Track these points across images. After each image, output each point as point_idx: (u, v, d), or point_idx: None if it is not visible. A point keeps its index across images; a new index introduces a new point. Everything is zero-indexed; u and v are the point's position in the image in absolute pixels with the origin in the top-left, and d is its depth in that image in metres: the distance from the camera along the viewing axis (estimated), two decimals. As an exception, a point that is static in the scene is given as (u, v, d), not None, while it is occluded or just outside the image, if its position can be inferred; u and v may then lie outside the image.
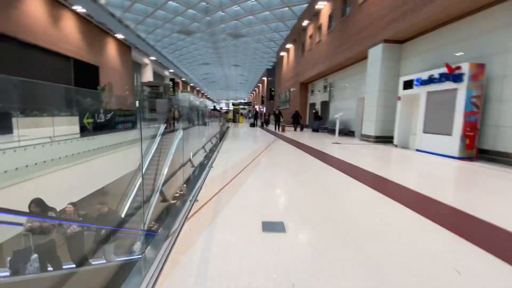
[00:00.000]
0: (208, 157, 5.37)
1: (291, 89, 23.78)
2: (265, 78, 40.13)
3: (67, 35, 16.05)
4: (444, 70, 6.73)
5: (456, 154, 6.35)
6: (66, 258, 2.89)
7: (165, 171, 3.92)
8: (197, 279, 1.53)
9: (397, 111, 8.67)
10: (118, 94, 20.77)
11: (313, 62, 17.47)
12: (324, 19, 15.65)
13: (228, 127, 18.36)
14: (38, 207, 2.94)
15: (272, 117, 24.92)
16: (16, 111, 7.15)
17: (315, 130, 16.73)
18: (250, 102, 49.65)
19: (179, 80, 41.78)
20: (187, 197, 2.74)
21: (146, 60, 29.30)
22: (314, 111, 18.75)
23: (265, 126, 21.47)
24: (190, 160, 4.38)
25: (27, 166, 5.52)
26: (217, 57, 39.84)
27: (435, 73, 7.04)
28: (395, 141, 8.74)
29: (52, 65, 14.89)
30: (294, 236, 2.12)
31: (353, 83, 13.19)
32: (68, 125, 8.53)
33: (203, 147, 6.13)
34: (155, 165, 4.23)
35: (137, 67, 28.76)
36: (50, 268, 2.75)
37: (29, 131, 7.01)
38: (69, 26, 16.23)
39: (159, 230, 2.08)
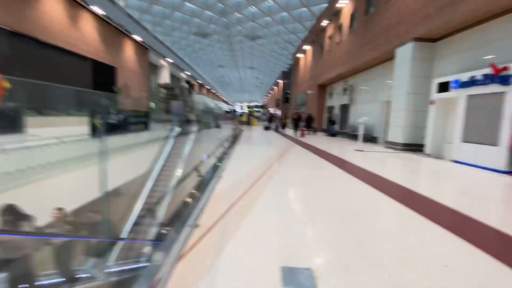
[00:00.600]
0: (217, 164, 4.83)
1: (308, 92, 23.00)
2: (280, 81, 39.49)
3: (86, 36, 16.22)
4: (489, 70, 5.86)
5: (502, 167, 5.45)
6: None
7: (170, 183, 3.41)
8: None
9: (430, 116, 7.79)
10: (131, 95, 20.85)
11: (332, 63, 16.67)
12: (345, 19, 14.86)
13: (241, 130, 17.87)
14: (11, 215, 2.49)
15: (288, 120, 24.20)
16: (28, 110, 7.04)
17: (333, 134, 16.04)
18: (265, 105, 49.10)
19: (195, 82, 41.99)
20: (187, 220, 2.19)
21: (162, 62, 29.50)
22: (328, 115, 18.18)
23: (280, 130, 20.33)
24: (196, 169, 3.85)
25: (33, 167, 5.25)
26: (232, 60, 39.71)
27: (478, 74, 6.17)
28: (427, 150, 7.84)
29: (71, 65, 15.04)
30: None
31: (376, 85, 12.31)
32: (79, 126, 8.35)
33: (213, 152, 5.61)
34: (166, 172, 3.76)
35: (154, 68, 29.01)
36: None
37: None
38: (88, 27, 16.41)
39: (145, 271, 1.52)
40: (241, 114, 34.23)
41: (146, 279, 1.51)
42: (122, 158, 7.33)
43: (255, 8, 22.73)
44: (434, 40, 8.46)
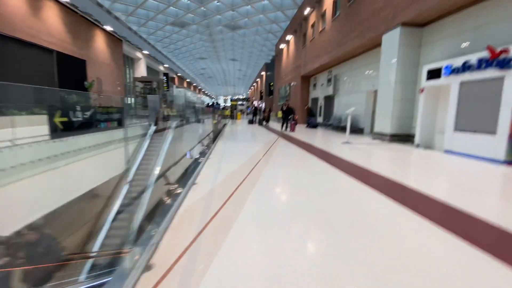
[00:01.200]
0: (193, 166, 4.15)
1: (292, 84, 22.48)
2: (263, 73, 38.73)
3: (49, 27, 14.69)
4: (485, 54, 5.51)
5: (501, 157, 5.15)
6: None
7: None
8: None
9: (419, 105, 7.45)
10: (102, 90, 19.44)
11: (315, 53, 16.17)
12: (328, 5, 14.30)
13: (224, 124, 17.11)
14: None
15: (273, 113, 23.59)
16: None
17: (313, 126, 15.75)
18: (248, 98, 48.21)
19: (174, 76, 40.34)
20: (136, 256, 1.54)
21: (139, 55, 27.83)
22: (306, 107, 17.81)
23: (264, 124, 19.12)
24: (164, 176, 3.17)
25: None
26: (213, 51, 38.39)
27: (472, 58, 5.82)
28: (417, 140, 7.53)
29: (32, 59, 13.56)
30: None
31: (361, 75, 11.94)
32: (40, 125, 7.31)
33: (189, 154, 4.92)
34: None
35: (129, 61, 27.34)
36: None
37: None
38: (51, 16, 14.86)
39: None
40: (224, 108, 33.27)
41: None
42: (82, 163, 6.44)
43: (234, -4, 21.74)
44: (421, 25, 8.09)
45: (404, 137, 8.45)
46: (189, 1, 22.83)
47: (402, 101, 8.34)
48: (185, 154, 5.15)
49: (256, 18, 25.30)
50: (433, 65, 6.90)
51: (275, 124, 18.72)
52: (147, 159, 7.17)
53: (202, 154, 5.05)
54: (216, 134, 8.76)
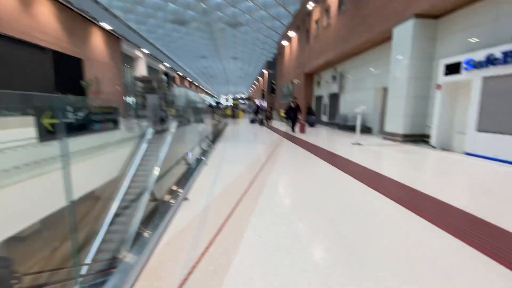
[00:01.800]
0: (187, 174, 3.62)
1: (295, 81, 21.87)
2: (265, 71, 38.11)
3: (43, 24, 14.22)
4: (511, 47, 4.93)
5: (534, 161, 4.59)
6: None
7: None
8: None
9: (436, 103, 6.86)
10: (101, 90, 19.00)
11: (320, 49, 15.55)
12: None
13: (226, 124, 16.59)
14: None
15: (275, 111, 23.02)
16: None
17: (311, 124, 15.32)
18: (250, 97, 47.62)
19: (175, 75, 39.84)
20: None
21: (138, 53, 27.34)
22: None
23: (266, 124, 17.46)
24: (152, 193, 2.65)
25: None
26: (215, 50, 37.79)
27: (497, 51, 5.23)
28: (433, 141, 6.95)
29: (26, 58, 13.10)
30: None
31: (369, 71, 11.34)
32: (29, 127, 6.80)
33: (185, 159, 4.38)
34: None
35: (129, 60, 26.85)
36: None
37: None
38: (45, 13, 14.38)
39: None
40: (226, 107, 32.76)
41: None
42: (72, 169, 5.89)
43: (235, -8, 21.12)
44: (436, 16, 7.49)
45: (418, 138, 7.88)
46: (188, -2, 22.29)
47: (415, 98, 7.75)
48: (177, 162, 4.64)
49: (257, 14, 24.66)
50: (452, 59, 6.31)
51: (277, 124, 18.13)
52: (142, 170, 6.66)
53: (199, 159, 4.53)
54: (216, 136, 8.22)
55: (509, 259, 1.73)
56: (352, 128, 11.43)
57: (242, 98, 41.60)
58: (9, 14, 12.05)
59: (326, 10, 14.71)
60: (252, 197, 2.95)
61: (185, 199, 2.74)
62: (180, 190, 2.85)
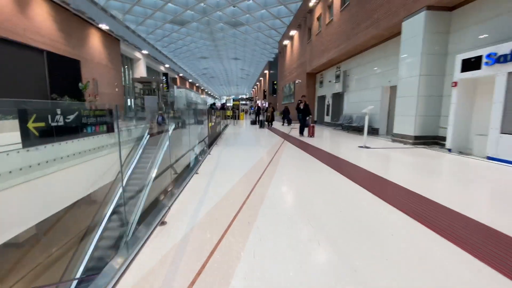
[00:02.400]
0: (170, 188, 3.09)
1: (296, 81, 21.31)
2: (266, 72, 37.60)
3: (38, 25, 13.82)
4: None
5: None
6: None
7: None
8: None
9: (452, 102, 6.28)
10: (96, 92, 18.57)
11: (322, 48, 14.99)
12: (336, -5, 13.14)
13: (226, 125, 16.06)
14: None
15: (276, 112, 22.43)
16: None
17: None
18: (251, 98, 47.07)
19: (176, 76, 39.47)
20: None
21: (137, 55, 26.96)
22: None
23: (267, 126, 15.85)
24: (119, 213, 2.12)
25: None
26: (215, 50, 37.34)
27: (525, 43, 4.65)
28: (448, 143, 6.36)
29: (20, 59, 12.71)
30: None
31: (374, 69, 10.76)
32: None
33: (174, 168, 3.85)
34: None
35: (128, 62, 26.49)
36: None
37: None
38: (40, 14, 13.99)
39: None
40: (223, 108, 32.24)
41: None
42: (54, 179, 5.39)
43: (235, -10, 20.64)
44: (450, 8, 6.92)
45: (430, 140, 7.30)
46: (187, -3, 21.85)
47: (427, 97, 7.17)
48: (164, 170, 4.15)
49: (258, 13, 24.16)
50: (470, 54, 5.73)
51: (277, 125, 17.56)
52: (135, 177, 6.13)
53: (188, 167, 3.99)
54: (213, 140, 7.69)
55: None
56: (357, 129, 10.85)
57: (243, 99, 41.05)
58: (4, 16, 11.66)
59: (329, 6, 14.16)
60: (246, 218, 2.41)
61: (162, 222, 2.21)
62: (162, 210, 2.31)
